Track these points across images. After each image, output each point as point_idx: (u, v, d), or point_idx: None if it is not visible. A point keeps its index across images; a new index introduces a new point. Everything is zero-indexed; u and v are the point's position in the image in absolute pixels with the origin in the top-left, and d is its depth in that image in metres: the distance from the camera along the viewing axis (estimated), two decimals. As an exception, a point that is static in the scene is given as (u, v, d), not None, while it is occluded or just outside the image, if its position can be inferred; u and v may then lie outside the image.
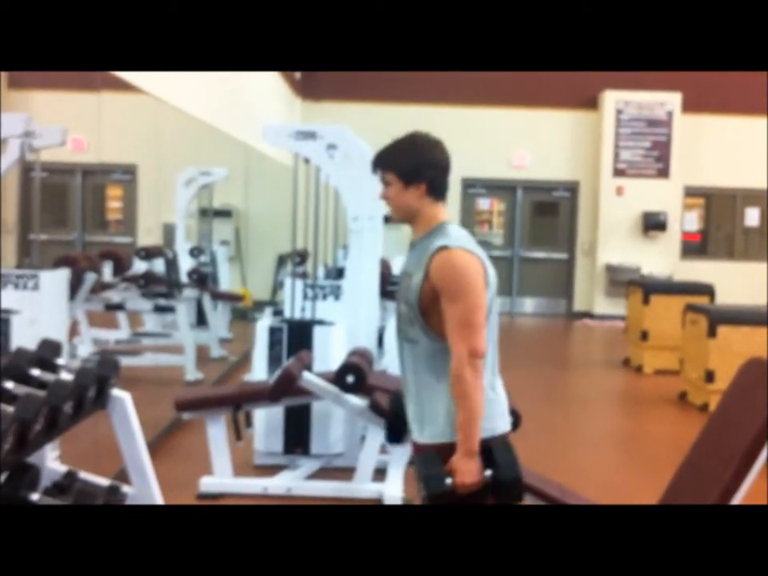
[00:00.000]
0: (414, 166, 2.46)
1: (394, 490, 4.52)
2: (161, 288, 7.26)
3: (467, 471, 2.35)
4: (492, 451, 2.38)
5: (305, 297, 5.39)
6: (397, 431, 2.69)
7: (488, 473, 2.37)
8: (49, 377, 2.66)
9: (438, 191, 2.50)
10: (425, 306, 2.43)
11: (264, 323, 5.20)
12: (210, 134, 8.12)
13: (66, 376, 2.70)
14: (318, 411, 5.01)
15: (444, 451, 2.40)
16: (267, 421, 5.04)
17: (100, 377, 2.77)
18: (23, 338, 3.76)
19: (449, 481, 2.35)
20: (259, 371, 5.13)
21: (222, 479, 4.63)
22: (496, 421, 2.46)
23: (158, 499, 2.96)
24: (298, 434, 5.03)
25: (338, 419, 5.04)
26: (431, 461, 2.40)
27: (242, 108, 9.16)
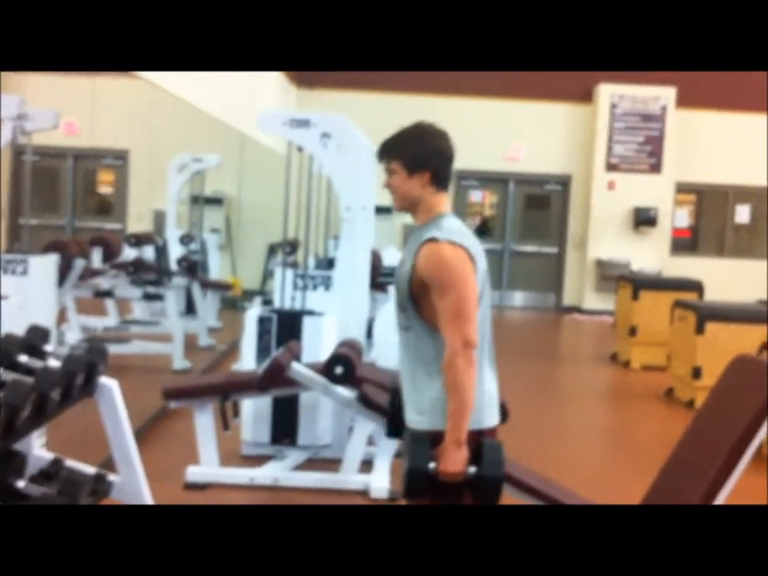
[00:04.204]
0: (419, 155, 2.48)
1: (380, 482, 4.53)
2: (150, 275, 7.24)
3: (452, 460, 2.36)
4: (482, 448, 2.39)
5: (295, 287, 5.38)
6: (396, 425, 2.68)
7: (472, 469, 2.38)
8: (37, 363, 2.65)
9: (441, 181, 2.52)
10: (415, 294, 2.45)
11: (253, 313, 5.19)
12: (203, 121, 8.08)
13: (54, 363, 2.69)
14: (305, 402, 5.01)
15: (433, 438, 2.41)
16: (255, 411, 5.03)
17: (88, 364, 2.77)
18: (11, 323, 3.73)
19: (432, 465, 2.37)
20: (248, 361, 5.12)
21: (208, 469, 4.63)
22: (485, 413, 2.47)
23: (145, 488, 2.95)
24: (285, 425, 5.03)
25: (325, 410, 5.04)
26: (420, 440, 2.41)
27: (237, 95, 9.12)
